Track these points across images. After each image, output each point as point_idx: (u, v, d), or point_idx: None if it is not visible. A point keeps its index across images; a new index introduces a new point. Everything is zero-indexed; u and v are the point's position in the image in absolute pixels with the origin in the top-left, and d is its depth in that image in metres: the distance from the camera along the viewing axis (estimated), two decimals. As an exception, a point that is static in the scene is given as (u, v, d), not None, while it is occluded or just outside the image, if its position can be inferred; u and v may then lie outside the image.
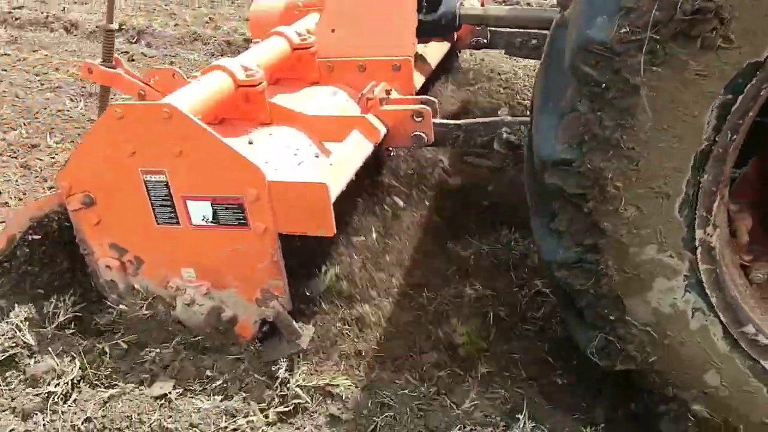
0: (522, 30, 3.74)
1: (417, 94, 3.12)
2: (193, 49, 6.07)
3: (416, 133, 2.72)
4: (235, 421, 2.11)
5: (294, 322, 2.32)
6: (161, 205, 2.27)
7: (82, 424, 2.11)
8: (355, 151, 2.49)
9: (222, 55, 5.69)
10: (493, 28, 3.81)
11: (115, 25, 2.65)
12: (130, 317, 2.43)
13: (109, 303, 2.49)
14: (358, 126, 2.57)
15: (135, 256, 2.42)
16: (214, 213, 2.24)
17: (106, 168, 2.26)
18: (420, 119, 2.69)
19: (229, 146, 2.12)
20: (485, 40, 3.90)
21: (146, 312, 2.42)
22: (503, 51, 4.00)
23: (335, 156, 2.43)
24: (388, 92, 2.79)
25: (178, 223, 2.29)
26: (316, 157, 2.58)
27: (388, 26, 3.01)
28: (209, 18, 6.86)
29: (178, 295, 2.36)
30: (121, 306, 2.44)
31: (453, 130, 2.78)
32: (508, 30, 3.80)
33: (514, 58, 4.42)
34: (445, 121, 2.81)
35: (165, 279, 2.39)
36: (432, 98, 2.79)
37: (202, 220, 2.26)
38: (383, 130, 2.67)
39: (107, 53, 2.65)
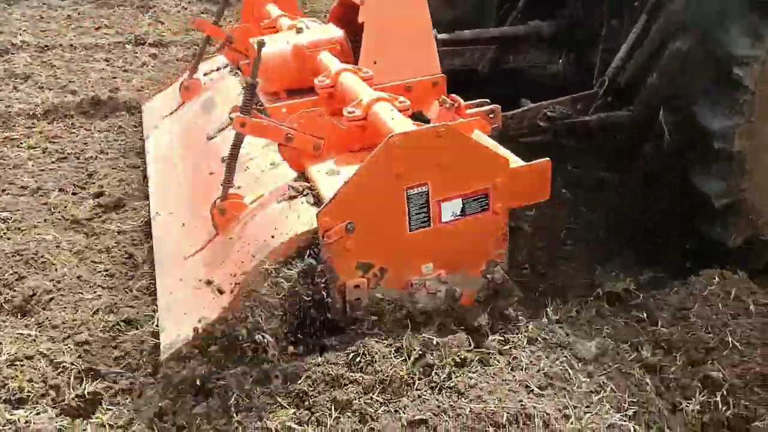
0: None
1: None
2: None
3: (493, 126, 3.25)
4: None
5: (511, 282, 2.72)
6: (417, 214, 2.46)
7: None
8: (494, 143, 2.94)
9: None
10: None
11: (258, 81, 2.66)
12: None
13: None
14: (477, 126, 3.02)
15: (380, 268, 2.50)
16: (462, 207, 2.54)
17: (372, 194, 2.38)
18: (492, 115, 3.24)
19: (486, 147, 2.47)
20: None
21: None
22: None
23: (496, 146, 2.85)
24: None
25: (429, 225, 2.52)
26: None
27: (419, 49, 3.37)
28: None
29: (418, 291, 2.55)
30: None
31: (507, 119, 3.39)
32: None
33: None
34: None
35: (407, 280, 2.55)
36: (486, 100, 3.32)
37: (451, 216, 2.54)
38: None
39: (247, 105, 2.67)
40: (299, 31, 3.44)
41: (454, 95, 3.20)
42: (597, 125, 3.42)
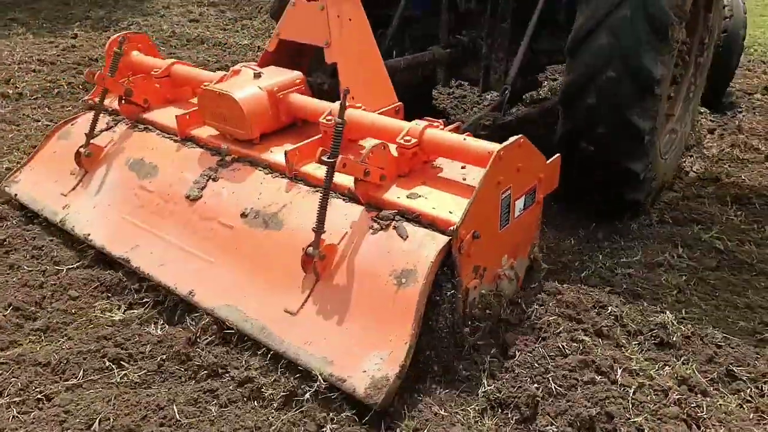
0: None
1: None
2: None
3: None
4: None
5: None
6: (504, 213, 2.73)
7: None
8: None
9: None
10: None
11: (342, 121, 2.68)
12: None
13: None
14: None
15: (483, 267, 2.68)
16: (525, 202, 2.88)
17: (486, 203, 2.62)
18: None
19: (535, 148, 2.95)
20: None
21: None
22: None
23: None
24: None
25: (508, 222, 2.81)
26: None
27: (380, 81, 3.52)
28: None
29: (501, 281, 2.83)
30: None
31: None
32: None
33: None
34: None
35: (494, 273, 2.80)
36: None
37: (518, 211, 2.84)
38: None
39: (337, 146, 2.64)
40: (257, 75, 3.34)
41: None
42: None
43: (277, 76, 3.37)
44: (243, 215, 2.97)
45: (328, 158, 2.61)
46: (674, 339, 2.71)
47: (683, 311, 2.94)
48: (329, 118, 2.98)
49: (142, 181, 3.37)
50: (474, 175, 2.83)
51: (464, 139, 2.80)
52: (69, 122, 3.93)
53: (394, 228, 2.62)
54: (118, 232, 3.26)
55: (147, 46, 4.01)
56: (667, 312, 2.86)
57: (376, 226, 2.66)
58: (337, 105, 2.85)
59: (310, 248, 2.60)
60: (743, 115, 5.69)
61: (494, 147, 2.62)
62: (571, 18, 3.59)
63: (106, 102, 3.69)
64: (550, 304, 2.81)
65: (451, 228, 2.48)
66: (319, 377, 2.39)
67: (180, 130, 3.42)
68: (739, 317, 2.94)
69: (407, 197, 2.74)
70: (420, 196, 2.74)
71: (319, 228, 2.60)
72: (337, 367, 2.40)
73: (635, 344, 2.67)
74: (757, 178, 4.43)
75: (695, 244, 3.52)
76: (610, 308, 2.83)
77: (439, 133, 2.89)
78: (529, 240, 3.03)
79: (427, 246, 2.50)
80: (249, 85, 3.25)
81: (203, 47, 7.77)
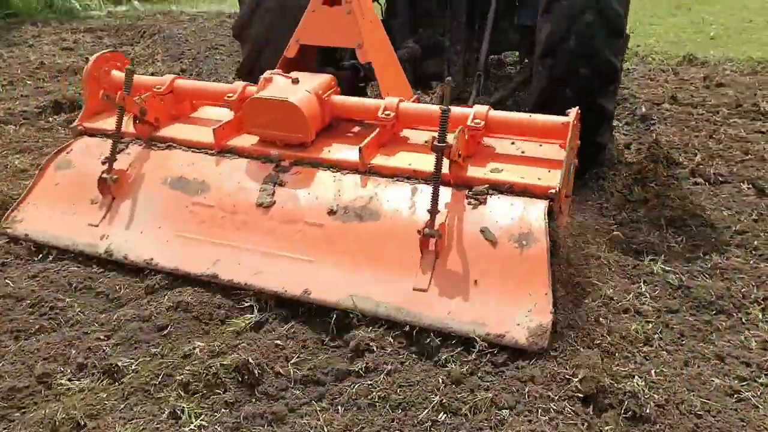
0: None
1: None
2: None
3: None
4: None
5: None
6: (569, 175, 3.06)
7: None
8: None
9: None
10: None
11: (448, 108, 2.82)
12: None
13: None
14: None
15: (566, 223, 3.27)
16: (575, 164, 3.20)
17: (568, 166, 2.97)
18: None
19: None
20: None
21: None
22: None
23: None
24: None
25: (571, 182, 3.15)
26: None
27: (400, 76, 3.79)
28: None
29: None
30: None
31: None
32: None
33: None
34: None
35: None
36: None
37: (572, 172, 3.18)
38: None
39: (444, 133, 2.78)
40: (295, 81, 3.28)
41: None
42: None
43: (314, 79, 3.37)
44: (331, 213, 3.01)
45: (439, 143, 2.75)
46: (648, 411, 2.28)
47: (653, 371, 2.51)
48: (387, 112, 3.17)
49: (194, 198, 3.23)
50: (528, 148, 3.10)
51: (530, 116, 3.05)
52: (62, 151, 3.62)
53: (491, 198, 2.85)
54: (186, 251, 3.09)
55: (124, 65, 3.74)
56: (636, 377, 2.42)
57: (473, 201, 2.86)
58: (377, 101, 3.25)
59: (427, 229, 2.73)
60: (657, 127, 5.48)
61: (565, 119, 2.93)
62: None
63: (98, 125, 3.61)
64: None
65: (551, 191, 2.79)
66: (478, 339, 2.55)
67: (217, 143, 3.33)
68: (712, 373, 2.54)
69: (491, 173, 2.94)
70: (501, 170, 2.95)
71: (434, 209, 2.74)
72: (492, 327, 2.58)
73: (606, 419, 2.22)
74: (686, 196, 4.14)
75: (650, 279, 3.14)
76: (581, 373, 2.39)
77: (503, 114, 3.09)
78: (569, 199, 3.20)
79: (534, 210, 2.77)
80: (298, 90, 3.23)
81: (76, 78, 6.89)
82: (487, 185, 2.87)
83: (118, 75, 3.67)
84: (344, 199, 3.01)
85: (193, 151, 3.39)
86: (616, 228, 3.72)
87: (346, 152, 3.16)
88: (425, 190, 2.88)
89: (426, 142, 2.84)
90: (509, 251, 2.69)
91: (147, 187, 3.33)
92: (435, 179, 2.75)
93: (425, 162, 2.94)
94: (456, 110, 3.00)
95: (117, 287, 3.08)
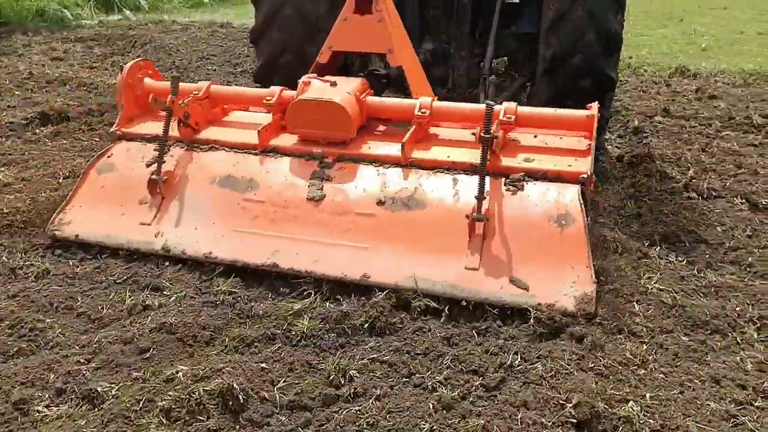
0: None
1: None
2: None
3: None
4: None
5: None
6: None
7: None
8: None
9: None
10: None
11: (493, 103, 3.22)
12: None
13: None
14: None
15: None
16: None
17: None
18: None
19: None
20: None
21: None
22: None
23: None
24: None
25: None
26: None
27: (423, 78, 4.06)
28: None
29: None
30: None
31: None
32: None
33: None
34: None
35: None
36: None
37: None
38: None
39: (488, 125, 3.07)
40: (333, 84, 3.55)
41: None
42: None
43: (350, 82, 3.62)
44: (380, 203, 3.26)
45: (485, 134, 3.05)
46: (644, 437, 2.21)
47: (648, 395, 2.44)
48: (423, 110, 3.45)
49: (244, 195, 3.42)
50: (550, 140, 3.43)
51: (555, 111, 3.40)
52: (103, 155, 3.75)
53: (528, 185, 3.17)
54: (244, 244, 3.26)
55: (154, 73, 3.99)
56: (631, 401, 2.35)
57: (512, 188, 3.16)
58: (412, 101, 3.56)
59: (474, 214, 3.01)
60: (650, 140, 5.44)
61: (589, 112, 3.29)
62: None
63: (135, 129, 3.77)
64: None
65: (583, 176, 3.13)
66: (531, 309, 2.82)
67: (261, 143, 3.53)
68: (708, 396, 2.47)
69: (525, 162, 3.27)
70: (533, 160, 3.28)
71: (480, 195, 3.01)
72: (542, 297, 2.86)
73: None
74: (680, 211, 4.09)
75: (644, 298, 3.07)
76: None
77: (530, 109, 3.43)
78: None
79: (569, 193, 3.11)
80: (339, 92, 3.47)
81: (65, 89, 6.81)
82: (522, 173, 3.19)
83: (149, 82, 3.87)
84: (391, 191, 3.28)
85: (236, 152, 3.58)
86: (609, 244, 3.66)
87: (386, 148, 3.44)
88: (464, 180, 3.24)
89: (473, 134, 3.16)
90: (550, 231, 3.02)
91: (196, 187, 3.50)
92: (482, 168, 3.04)
93: (461, 154, 3.33)
94: (480, 108, 3.31)
95: (99, 307, 2.99)
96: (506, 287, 2.91)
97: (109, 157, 3.71)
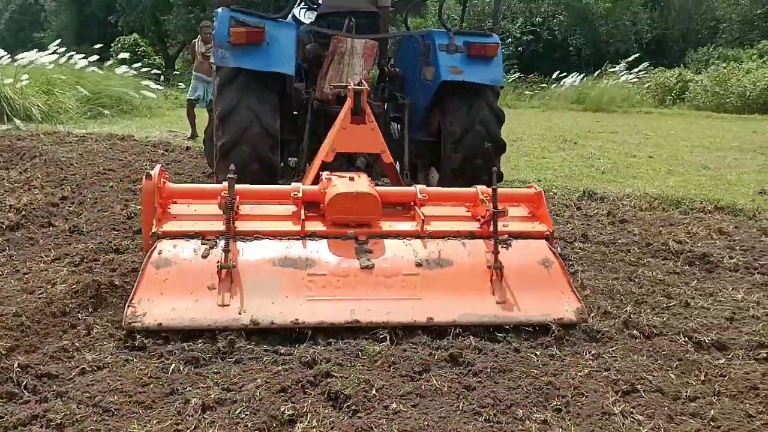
0: None
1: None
2: None
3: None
4: None
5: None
6: None
7: None
8: None
9: None
10: None
11: (497, 186, 4.26)
12: None
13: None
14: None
15: None
16: None
17: None
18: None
19: None
20: None
21: None
22: None
23: None
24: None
25: None
26: None
27: None
28: None
29: None
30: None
31: None
32: None
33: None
34: None
35: None
36: None
37: None
38: None
39: (495, 203, 4.20)
40: (352, 179, 4.44)
41: None
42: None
43: (362, 176, 4.56)
44: (418, 265, 4.07)
45: (495, 210, 4.14)
46: None
47: None
48: (424, 195, 4.46)
49: (307, 271, 3.96)
50: (517, 211, 4.52)
51: (512, 191, 4.71)
52: (152, 253, 3.95)
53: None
54: (323, 309, 3.81)
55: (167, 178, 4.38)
56: None
57: (504, 245, 4.20)
58: (411, 188, 4.60)
59: (493, 264, 4.07)
60: (577, 270, 5.22)
61: (536, 189, 4.53)
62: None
63: (171, 228, 4.09)
64: None
65: (548, 233, 4.37)
66: (551, 324, 3.91)
67: (302, 230, 4.16)
68: None
69: (504, 227, 4.26)
70: (506, 226, 4.29)
71: (496, 249, 4.07)
72: (552, 315, 3.95)
73: None
74: (628, 355, 3.77)
75: None
76: None
77: (500, 190, 4.27)
78: None
79: (541, 245, 4.30)
80: (364, 184, 4.35)
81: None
82: (507, 235, 4.26)
83: (170, 186, 4.28)
84: (422, 255, 4.12)
85: (279, 239, 4.11)
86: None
87: (401, 225, 4.35)
88: (468, 242, 4.25)
89: (501, 209, 4.16)
90: (540, 271, 4.16)
91: (260, 269, 3.94)
92: (494, 231, 4.14)
93: (457, 225, 4.37)
94: (471, 190, 4.52)
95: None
96: (529, 312, 3.95)
97: (159, 253, 3.93)
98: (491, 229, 4.14)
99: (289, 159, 6.23)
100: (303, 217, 4.16)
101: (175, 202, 4.24)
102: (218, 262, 3.83)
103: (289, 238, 4.09)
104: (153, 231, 4.03)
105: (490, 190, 4.25)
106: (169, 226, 4.09)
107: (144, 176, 4.12)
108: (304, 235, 4.11)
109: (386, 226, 4.27)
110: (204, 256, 3.92)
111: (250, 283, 3.85)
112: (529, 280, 4.06)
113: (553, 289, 4.06)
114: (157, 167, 4.14)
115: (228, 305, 3.74)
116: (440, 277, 4.01)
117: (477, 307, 3.92)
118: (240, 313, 3.71)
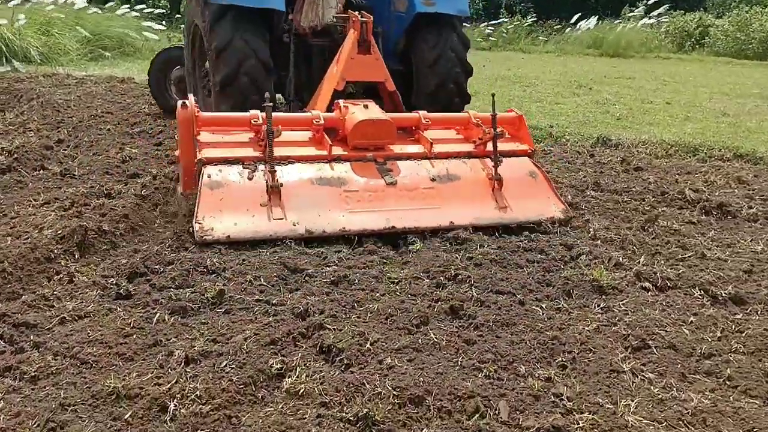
0: None
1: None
2: None
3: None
4: None
5: None
6: None
7: None
8: None
9: None
10: None
11: (495, 113, 4.91)
12: None
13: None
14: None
15: None
16: None
17: None
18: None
19: None
20: None
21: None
22: None
23: None
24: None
25: None
26: None
27: None
28: None
29: None
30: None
31: None
32: None
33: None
34: None
35: None
36: None
37: None
38: None
39: (495, 127, 4.85)
40: (366, 106, 4.91)
41: None
42: None
43: (373, 104, 5.02)
44: (433, 180, 4.74)
45: (495, 133, 4.76)
46: None
47: None
48: (427, 120, 5.03)
49: (342, 188, 4.51)
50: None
51: (498, 114, 4.87)
52: (201, 176, 4.33)
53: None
54: (363, 219, 4.41)
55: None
56: None
57: (499, 161, 4.77)
58: (415, 114, 5.12)
59: (494, 175, 4.76)
60: (589, 219, 4.97)
61: (516, 113, 5.25)
62: None
63: (209, 155, 4.45)
64: None
65: (530, 151, 5.12)
66: (542, 220, 4.73)
67: (329, 155, 4.65)
68: None
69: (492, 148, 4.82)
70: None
71: (496, 164, 4.74)
72: (544, 214, 4.78)
73: None
74: (640, 308, 3.56)
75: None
76: None
77: (485, 114, 4.98)
78: None
79: (525, 161, 5.05)
80: (380, 112, 4.92)
81: None
82: (499, 154, 4.76)
83: (203, 114, 4.62)
84: (434, 172, 4.76)
85: (310, 163, 4.60)
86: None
87: (411, 148, 4.94)
88: (468, 161, 4.91)
89: (499, 131, 4.80)
90: (529, 181, 4.90)
91: (302, 188, 4.45)
92: (495, 153, 4.74)
93: (457, 147, 5.04)
94: (464, 114, 5.20)
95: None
96: (526, 213, 4.70)
97: (209, 177, 4.32)
98: (486, 149, 4.83)
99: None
100: (330, 143, 4.63)
101: (202, 131, 4.53)
102: (266, 181, 4.31)
103: (320, 162, 4.58)
104: (198, 158, 4.40)
105: (481, 114, 5.00)
106: (210, 153, 4.44)
107: (180, 105, 4.40)
108: (331, 159, 4.61)
109: (398, 149, 4.83)
110: (249, 179, 4.37)
111: (295, 200, 4.34)
112: (521, 189, 4.79)
113: (541, 195, 4.84)
114: (191, 96, 4.56)
115: (282, 218, 4.24)
116: (452, 190, 4.69)
117: (485, 211, 4.64)
118: (294, 225, 4.23)
